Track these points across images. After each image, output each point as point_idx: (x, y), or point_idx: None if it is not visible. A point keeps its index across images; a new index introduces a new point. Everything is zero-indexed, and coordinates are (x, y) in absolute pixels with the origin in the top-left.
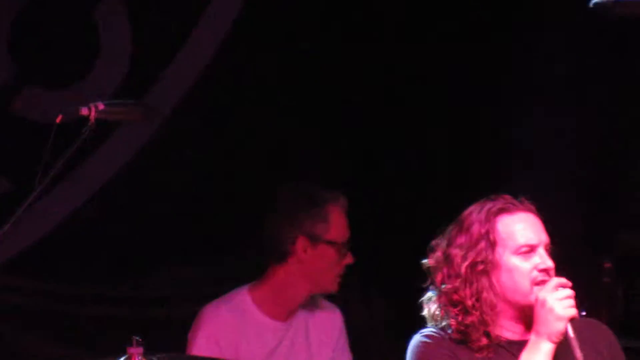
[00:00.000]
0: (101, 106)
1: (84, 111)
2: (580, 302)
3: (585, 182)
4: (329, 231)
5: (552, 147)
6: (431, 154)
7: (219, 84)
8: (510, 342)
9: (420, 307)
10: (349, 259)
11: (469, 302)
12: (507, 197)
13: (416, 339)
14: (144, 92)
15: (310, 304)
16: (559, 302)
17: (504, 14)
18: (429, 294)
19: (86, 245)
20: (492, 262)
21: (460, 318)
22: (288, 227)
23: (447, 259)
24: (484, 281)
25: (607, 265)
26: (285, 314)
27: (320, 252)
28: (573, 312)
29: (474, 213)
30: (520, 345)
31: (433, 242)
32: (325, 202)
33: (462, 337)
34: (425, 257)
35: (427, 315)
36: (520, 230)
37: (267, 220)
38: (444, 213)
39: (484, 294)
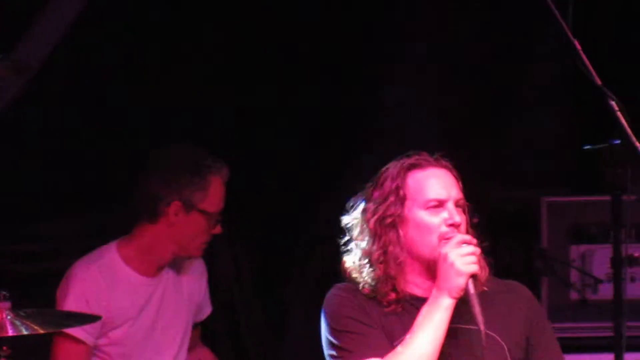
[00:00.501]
0: None
1: None
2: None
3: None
4: (204, 201)
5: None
6: (303, 114)
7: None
8: (418, 298)
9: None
10: (217, 230)
11: (376, 256)
12: (424, 153)
13: (330, 292)
14: (12, 49)
15: (178, 259)
16: (460, 257)
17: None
18: (348, 250)
19: None
20: (401, 216)
21: (369, 272)
22: (166, 189)
23: (362, 214)
24: (392, 235)
25: (475, 220)
26: (153, 270)
27: (191, 219)
28: (474, 268)
29: (390, 169)
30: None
31: (352, 199)
32: (209, 173)
33: (372, 292)
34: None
35: (343, 271)
36: (430, 185)
37: (145, 178)
38: (309, 173)
39: (390, 248)
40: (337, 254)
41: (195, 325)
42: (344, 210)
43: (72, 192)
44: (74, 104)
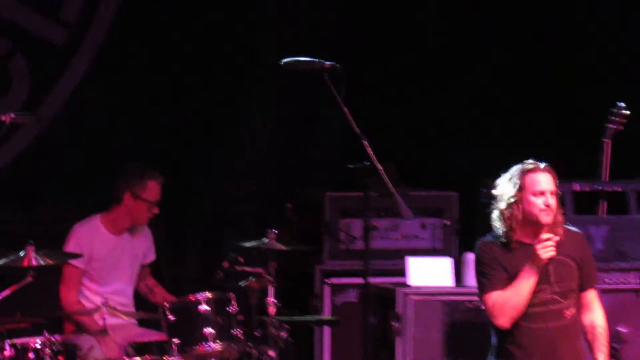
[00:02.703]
0: (12, 115)
1: (4, 117)
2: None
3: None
4: (144, 193)
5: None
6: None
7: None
8: (526, 244)
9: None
10: (156, 210)
11: (507, 215)
12: (531, 161)
13: (476, 245)
14: (37, 106)
15: (136, 227)
16: (542, 249)
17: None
18: (494, 213)
19: None
20: (521, 197)
21: (501, 226)
22: (123, 186)
23: (501, 193)
24: (515, 206)
25: (289, 205)
26: (119, 232)
27: (138, 204)
28: (550, 254)
29: (515, 170)
30: (530, 246)
31: (494, 184)
32: (148, 178)
33: (502, 239)
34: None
35: (491, 222)
36: (537, 183)
37: (116, 181)
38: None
39: (515, 212)
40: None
41: (144, 266)
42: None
43: (74, 183)
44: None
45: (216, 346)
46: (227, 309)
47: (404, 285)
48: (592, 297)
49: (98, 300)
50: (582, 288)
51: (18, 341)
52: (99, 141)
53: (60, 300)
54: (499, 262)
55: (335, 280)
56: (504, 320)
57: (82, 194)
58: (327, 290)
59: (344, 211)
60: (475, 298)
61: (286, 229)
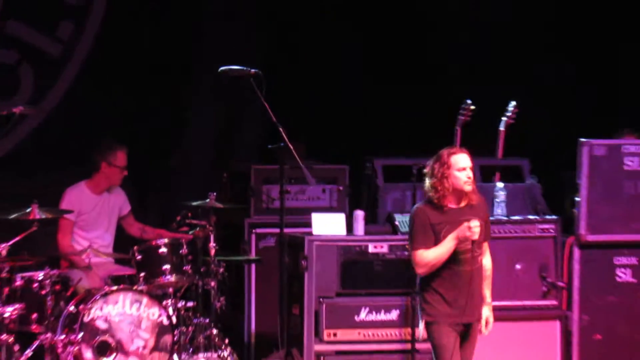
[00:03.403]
0: (21, 108)
1: (15, 109)
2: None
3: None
4: (116, 161)
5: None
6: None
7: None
8: (453, 208)
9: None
10: (125, 173)
11: (437, 185)
12: (455, 147)
13: (413, 208)
14: (39, 102)
15: (112, 188)
16: (468, 231)
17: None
18: (426, 183)
19: None
20: (448, 172)
21: (434, 194)
22: (99, 158)
23: (431, 169)
24: (444, 180)
25: (225, 175)
26: (100, 192)
27: (112, 169)
28: (475, 237)
29: (442, 152)
30: (456, 209)
31: (427, 163)
32: (117, 149)
33: (433, 202)
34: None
35: (424, 191)
36: (460, 161)
37: (94, 153)
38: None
39: (445, 184)
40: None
41: (123, 217)
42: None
43: (70, 156)
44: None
45: (171, 278)
46: (180, 251)
47: (310, 234)
48: (486, 247)
49: (85, 244)
50: (484, 240)
51: (26, 275)
52: (85, 127)
53: (57, 244)
54: (429, 224)
55: (259, 230)
56: (423, 271)
57: (72, 166)
58: (253, 238)
59: (266, 179)
60: (362, 243)
61: (223, 192)
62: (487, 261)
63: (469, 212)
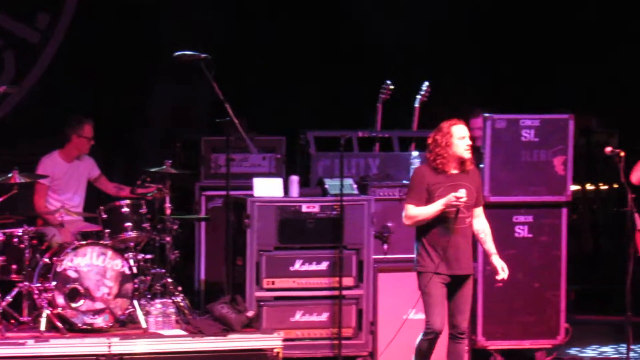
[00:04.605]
0: (4, 88)
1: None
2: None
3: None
4: (84, 132)
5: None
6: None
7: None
8: (451, 173)
9: None
10: (92, 143)
11: (439, 151)
12: (454, 119)
13: (415, 167)
14: (20, 82)
15: (81, 156)
16: (451, 203)
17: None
18: (429, 151)
19: None
20: (449, 140)
21: (435, 158)
22: (70, 130)
23: (434, 138)
24: (445, 146)
25: (178, 145)
26: (71, 160)
27: (81, 140)
28: (458, 205)
29: (444, 123)
30: (454, 175)
31: (430, 134)
32: (85, 122)
33: (434, 165)
34: None
35: (426, 157)
36: (460, 131)
37: (65, 126)
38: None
39: (447, 149)
40: None
41: (93, 180)
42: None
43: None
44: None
45: (133, 234)
46: (140, 210)
47: (252, 196)
48: (480, 211)
49: (57, 204)
50: (476, 205)
51: (7, 231)
52: (58, 103)
53: (34, 205)
54: (425, 182)
55: (208, 193)
56: (408, 223)
57: (47, 137)
58: (203, 199)
59: (214, 149)
60: (297, 203)
61: (177, 159)
62: (483, 222)
63: (464, 178)
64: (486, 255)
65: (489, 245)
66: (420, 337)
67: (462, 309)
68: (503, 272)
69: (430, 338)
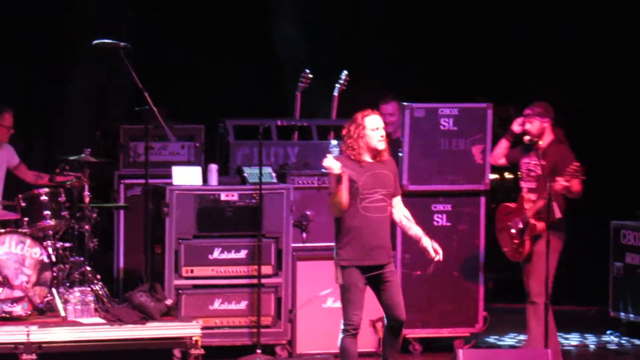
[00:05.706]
0: None
1: None
2: None
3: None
4: (4, 121)
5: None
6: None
7: None
8: (367, 162)
9: None
10: (12, 131)
11: (352, 143)
12: (368, 110)
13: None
14: None
15: (1, 144)
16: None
17: None
18: (343, 142)
19: None
20: (362, 132)
21: (350, 149)
22: None
23: (348, 130)
24: (359, 138)
25: (98, 133)
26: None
27: (1, 129)
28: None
29: (357, 115)
30: (370, 163)
31: (345, 125)
32: (4, 111)
33: (351, 155)
34: None
35: (342, 150)
36: (373, 122)
37: None
38: None
39: (360, 142)
40: None
41: (12, 168)
42: None
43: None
44: None
45: (51, 222)
46: (59, 198)
47: (171, 184)
48: (399, 200)
49: None
50: (394, 195)
51: None
52: None
53: None
54: (347, 167)
55: (127, 181)
56: (331, 212)
57: None
58: (121, 187)
59: (133, 137)
60: (216, 192)
61: (96, 148)
62: (403, 210)
63: (381, 167)
64: (406, 243)
65: (415, 229)
66: (341, 335)
67: (397, 299)
68: (437, 253)
69: (353, 334)
